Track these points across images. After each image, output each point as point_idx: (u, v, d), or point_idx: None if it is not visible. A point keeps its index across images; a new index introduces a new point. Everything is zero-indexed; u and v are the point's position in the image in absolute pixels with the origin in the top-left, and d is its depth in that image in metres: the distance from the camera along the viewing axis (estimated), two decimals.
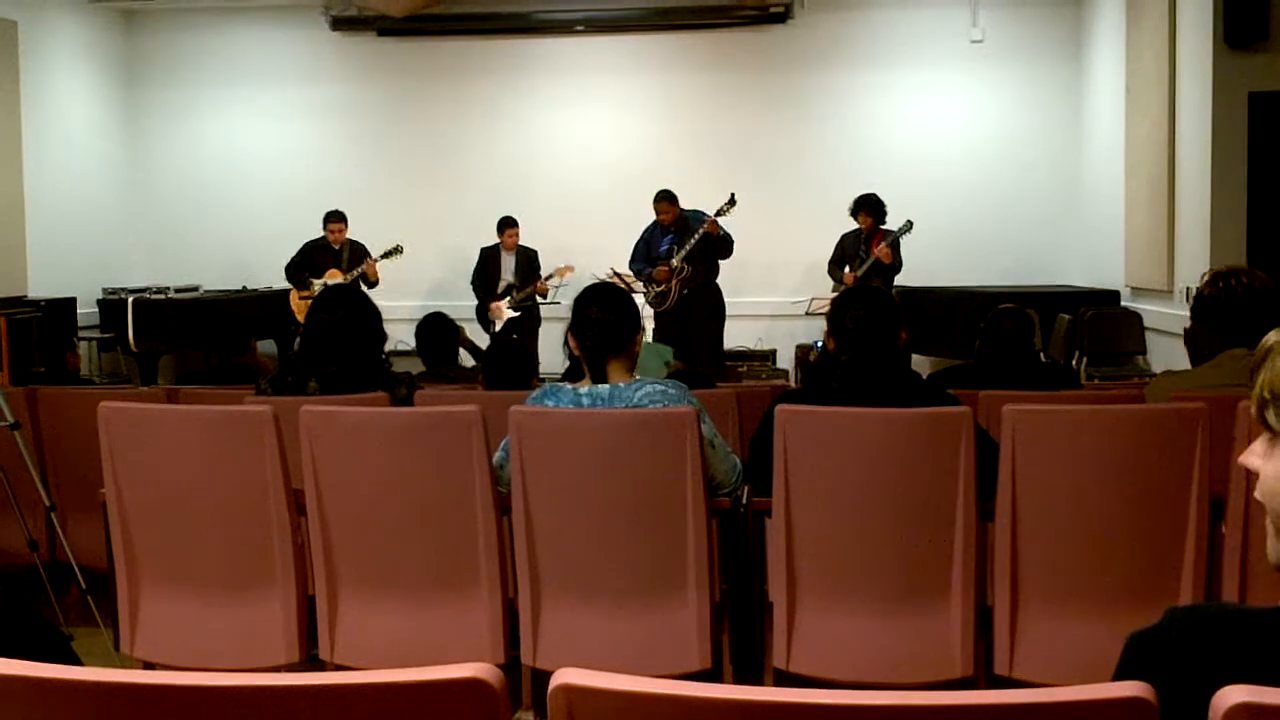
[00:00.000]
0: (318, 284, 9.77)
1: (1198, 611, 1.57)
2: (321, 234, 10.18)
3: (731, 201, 9.30)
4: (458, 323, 6.45)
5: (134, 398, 5.03)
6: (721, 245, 9.33)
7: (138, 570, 3.82)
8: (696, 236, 9.23)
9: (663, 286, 9.37)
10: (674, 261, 9.32)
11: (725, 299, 9.59)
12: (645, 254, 9.55)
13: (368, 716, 1.52)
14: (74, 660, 2.13)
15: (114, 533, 3.81)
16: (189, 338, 9.88)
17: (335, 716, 1.52)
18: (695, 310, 9.34)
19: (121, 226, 11.47)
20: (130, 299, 10.02)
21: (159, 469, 3.74)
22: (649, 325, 9.61)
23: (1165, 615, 1.56)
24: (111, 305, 10.16)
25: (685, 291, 9.35)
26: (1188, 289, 7.63)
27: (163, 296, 10.18)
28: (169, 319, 10.00)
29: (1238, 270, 4.35)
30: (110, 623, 4.05)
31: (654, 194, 9.52)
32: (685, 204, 9.51)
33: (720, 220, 9.27)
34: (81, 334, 9.74)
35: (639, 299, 9.44)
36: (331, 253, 10.13)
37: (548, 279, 10.28)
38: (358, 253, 10.11)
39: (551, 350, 9.94)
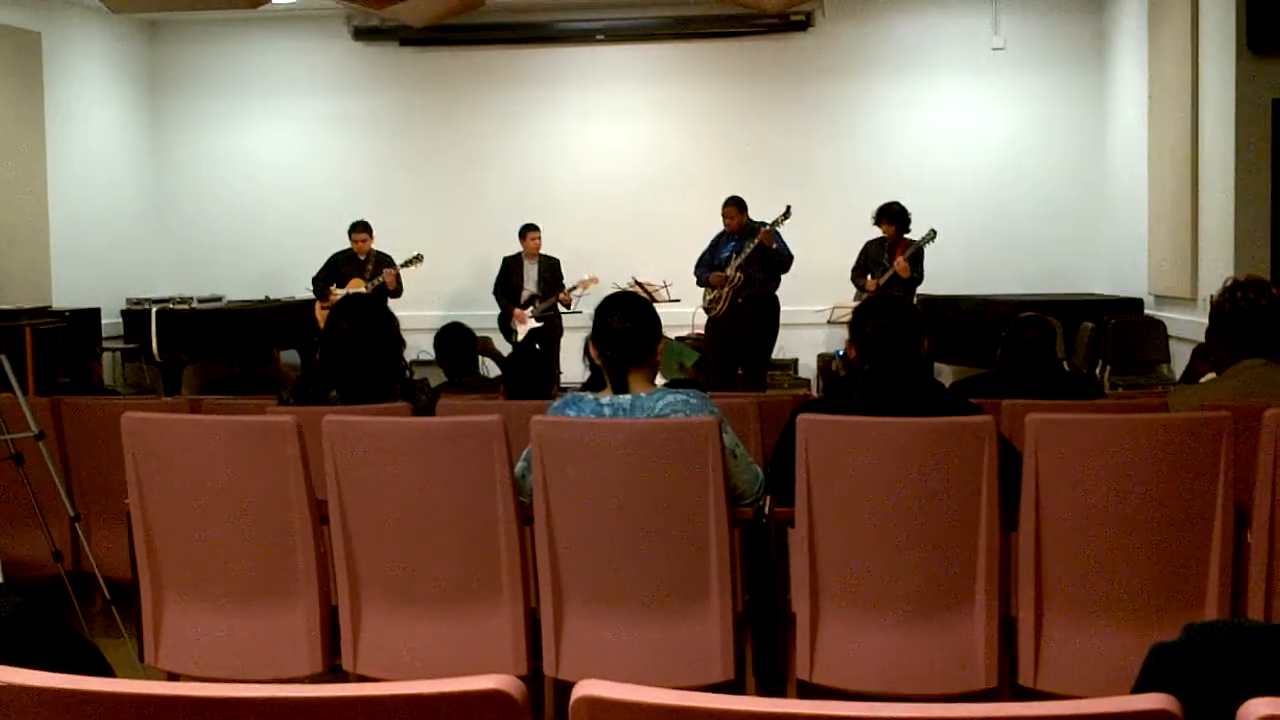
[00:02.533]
0: (338, 293, 9.81)
1: (1217, 627, 1.56)
2: (348, 245, 10.23)
3: (787, 213, 9.21)
4: (480, 332, 6.46)
5: (157, 408, 5.05)
6: (777, 257, 9.27)
7: (161, 580, 3.83)
8: (751, 246, 9.19)
9: (715, 293, 9.34)
10: (728, 270, 9.28)
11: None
12: (710, 260, 9.52)
13: None
14: (104, 668, 2.14)
15: (137, 543, 3.82)
16: (212, 348, 9.92)
17: None
18: (747, 319, 9.28)
19: (145, 237, 11.53)
20: (154, 309, 10.07)
21: (182, 479, 3.75)
22: (700, 331, 9.63)
23: (1185, 631, 1.56)
24: (135, 316, 10.20)
25: (739, 300, 9.30)
26: (1211, 297, 7.59)
27: (186, 307, 10.22)
28: (192, 329, 10.04)
29: (1251, 283, 4.36)
30: (134, 633, 4.06)
31: (723, 200, 9.47)
32: (709, 211, 9.49)
33: (780, 231, 9.20)
34: (105, 344, 9.79)
35: (698, 304, 9.44)
36: (357, 263, 10.18)
37: (571, 290, 10.29)
38: (382, 263, 10.15)
39: (574, 359, 9.94)
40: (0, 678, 1.54)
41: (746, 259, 9.21)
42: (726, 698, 1.43)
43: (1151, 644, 1.56)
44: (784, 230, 9.19)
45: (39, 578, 5.03)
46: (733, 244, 9.35)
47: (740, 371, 9.32)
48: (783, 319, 9.46)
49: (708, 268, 9.44)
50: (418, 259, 10.12)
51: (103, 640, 4.66)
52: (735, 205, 9.42)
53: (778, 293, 9.41)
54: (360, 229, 10.21)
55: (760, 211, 9.36)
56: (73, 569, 5.13)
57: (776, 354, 10.15)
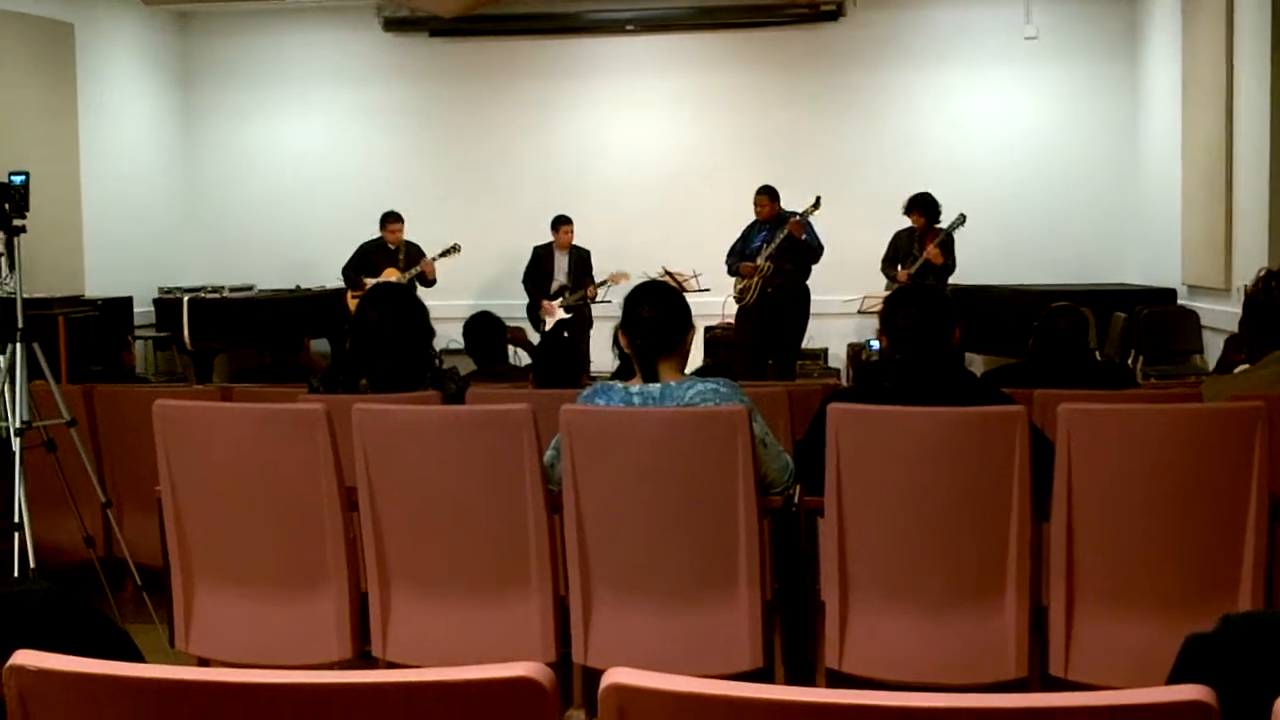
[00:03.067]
0: (370, 283, 9.83)
1: (1253, 619, 1.55)
2: (378, 235, 10.27)
3: (817, 204, 9.15)
4: (509, 322, 6.46)
5: (189, 395, 5.08)
6: (806, 249, 9.23)
7: (192, 567, 3.85)
8: (781, 236, 9.16)
9: (744, 282, 9.33)
10: (759, 260, 9.26)
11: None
12: (741, 249, 9.49)
13: (419, 715, 1.52)
14: (134, 654, 2.15)
15: (169, 529, 3.84)
16: (243, 337, 9.95)
17: (387, 714, 1.52)
18: (777, 310, 9.24)
19: (177, 227, 11.58)
20: (185, 298, 10.11)
21: (213, 466, 3.77)
22: (730, 320, 9.62)
23: (1220, 621, 1.54)
24: (167, 305, 10.24)
25: (769, 290, 9.28)
26: (1245, 287, 7.53)
27: (218, 296, 10.26)
28: (224, 318, 10.07)
29: None
30: (165, 619, 4.08)
31: (755, 189, 9.43)
32: (735, 202, 9.47)
33: (811, 220, 9.17)
34: (137, 333, 9.84)
35: (728, 293, 9.43)
36: (388, 253, 10.21)
37: (601, 284, 10.28)
38: (414, 253, 10.19)
39: (603, 349, 9.95)
40: (32, 663, 1.55)
41: (776, 249, 9.18)
42: (754, 686, 1.42)
43: (1186, 635, 1.55)
44: (814, 219, 9.16)
45: (71, 563, 5.06)
46: (764, 234, 9.31)
47: (770, 361, 9.29)
48: (813, 309, 9.43)
49: (739, 257, 9.41)
50: (455, 249, 10.16)
51: (133, 626, 4.69)
52: (767, 194, 9.37)
53: (808, 283, 9.38)
54: (393, 219, 10.25)
55: (790, 202, 9.32)
56: (104, 555, 5.16)
57: (807, 344, 10.12)
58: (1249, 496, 3.31)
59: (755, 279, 9.24)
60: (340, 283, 10.42)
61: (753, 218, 9.43)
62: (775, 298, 9.26)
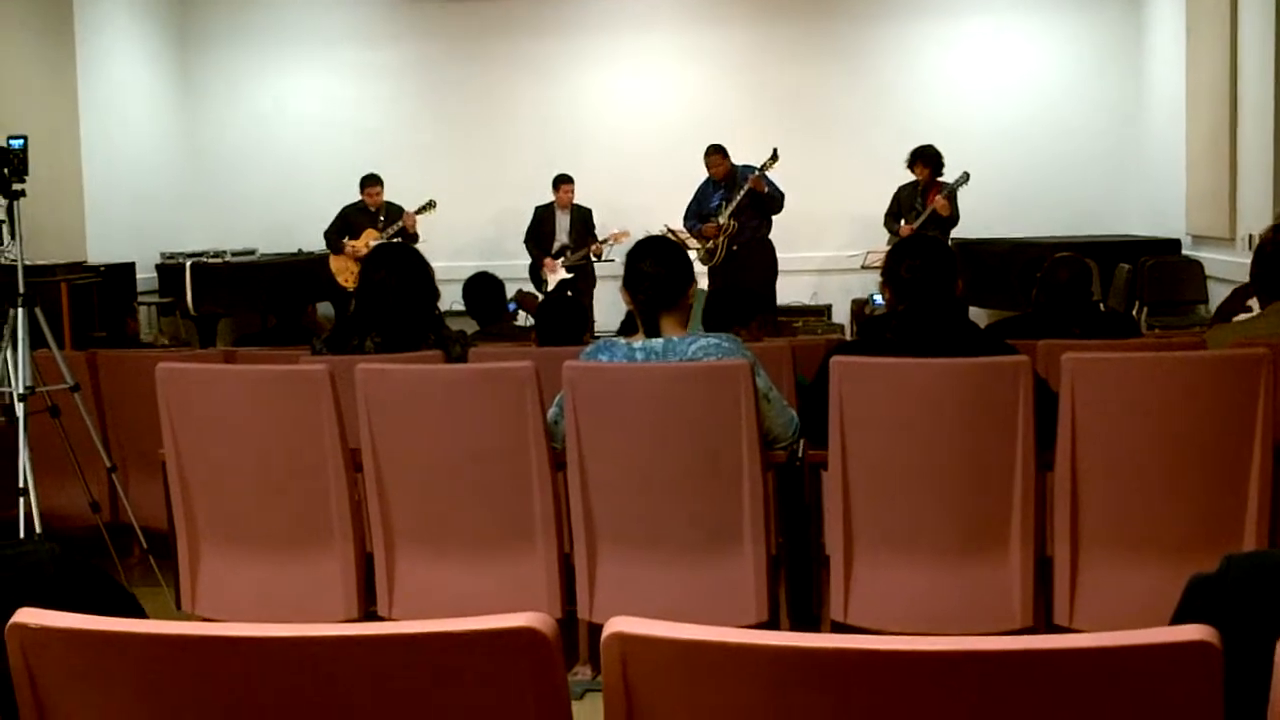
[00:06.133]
0: (351, 244, 9.87)
1: (1256, 559, 1.54)
2: (358, 198, 10.25)
3: (774, 157, 9.25)
4: (510, 282, 6.43)
5: (192, 359, 5.07)
6: (770, 201, 9.29)
7: (197, 530, 3.86)
8: (742, 192, 9.20)
9: (710, 243, 9.36)
10: (720, 219, 9.29)
11: (779, 254, 9.54)
12: (697, 210, 9.54)
13: (422, 666, 1.52)
14: (139, 612, 2.16)
15: (173, 493, 3.84)
16: (247, 301, 9.95)
17: (390, 666, 1.52)
18: (746, 266, 9.28)
19: (179, 191, 11.54)
20: (188, 263, 10.11)
21: (217, 429, 3.77)
22: (702, 282, 9.60)
23: (1223, 561, 1.54)
24: (170, 270, 10.24)
25: (734, 248, 9.32)
26: (1250, 236, 7.50)
27: (220, 260, 10.25)
28: (226, 283, 10.08)
29: None
30: (172, 583, 4.09)
31: (705, 149, 9.48)
32: (740, 158, 9.46)
33: (769, 174, 9.22)
34: (141, 299, 9.83)
35: (691, 255, 9.42)
36: (368, 215, 10.21)
37: (603, 242, 10.26)
38: (394, 213, 10.18)
39: (606, 309, 9.94)
40: (37, 621, 1.55)
41: (737, 206, 9.24)
42: (757, 633, 1.42)
43: (1190, 576, 1.55)
44: (814, 176, 9.16)
45: (78, 529, 5.07)
46: (721, 192, 9.40)
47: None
48: (818, 265, 9.44)
49: (697, 219, 9.49)
50: (431, 205, 10.13)
51: (140, 590, 4.67)
52: (720, 153, 9.46)
53: (770, 236, 9.47)
54: (373, 182, 10.24)
55: (787, 158, 9.33)
56: (110, 520, 5.17)
57: (810, 300, 10.10)
58: (1253, 442, 3.31)
59: (721, 238, 9.30)
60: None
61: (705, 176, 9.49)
62: (741, 254, 9.34)
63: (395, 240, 9.55)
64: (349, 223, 10.22)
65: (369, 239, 9.89)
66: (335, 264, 10.20)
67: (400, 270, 4.46)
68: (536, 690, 1.50)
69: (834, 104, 11.02)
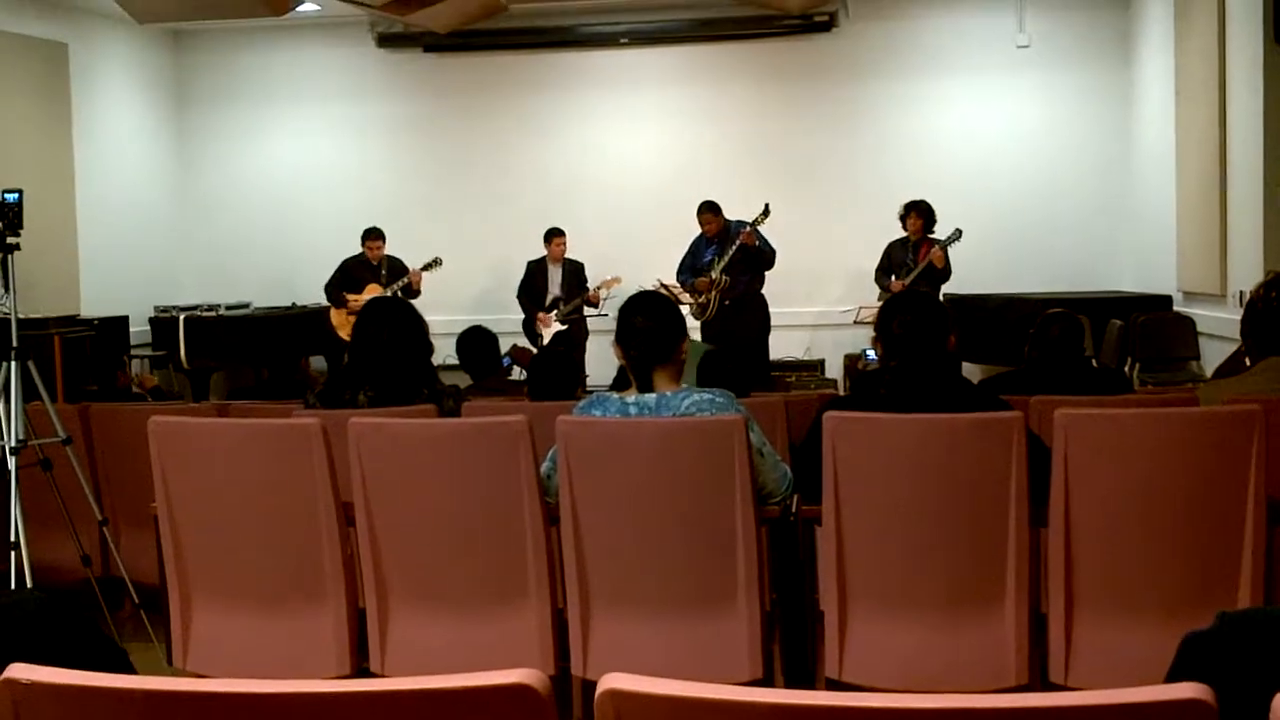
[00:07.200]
0: (355, 299, 9.88)
1: (1251, 616, 1.54)
2: (357, 250, 10.27)
3: (766, 212, 9.29)
4: (504, 337, 6.44)
5: (185, 413, 5.07)
6: (760, 256, 9.32)
7: (189, 584, 3.84)
8: (734, 248, 9.23)
9: (703, 297, 9.39)
10: (713, 274, 9.33)
11: (771, 309, 9.57)
12: (691, 265, 9.58)
13: None
14: (126, 665, 2.14)
15: (165, 547, 3.82)
16: (240, 354, 9.96)
17: None
18: (738, 321, 9.32)
19: (173, 245, 11.58)
20: (182, 317, 10.12)
21: (209, 483, 3.76)
22: (695, 336, 9.62)
23: (1218, 619, 1.54)
24: (163, 323, 10.26)
25: (727, 303, 9.36)
26: (1241, 293, 7.54)
27: (213, 314, 10.27)
28: (220, 336, 10.09)
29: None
30: (163, 638, 4.06)
31: (697, 206, 9.52)
32: (733, 214, 9.51)
33: (761, 230, 9.25)
34: (134, 352, 9.84)
35: (684, 310, 9.46)
36: (370, 268, 10.22)
37: (596, 289, 10.28)
38: (396, 268, 10.20)
39: (599, 363, 9.95)
40: (24, 675, 1.54)
41: (730, 261, 9.27)
42: (750, 690, 1.42)
43: (1184, 633, 1.54)
44: (807, 231, 9.20)
45: (68, 582, 5.04)
46: (714, 248, 9.45)
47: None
48: (811, 320, 9.47)
49: (690, 273, 9.53)
50: (437, 262, 10.15)
51: (132, 645, 4.67)
52: (713, 211, 9.50)
53: (763, 291, 9.49)
54: (375, 235, 10.26)
55: (779, 214, 9.37)
56: (101, 574, 5.14)
57: (803, 355, 10.11)
58: (1246, 499, 3.30)
59: (714, 293, 9.33)
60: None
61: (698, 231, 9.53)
62: (734, 309, 9.36)
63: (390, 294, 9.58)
64: (350, 276, 10.24)
65: (372, 294, 9.91)
66: (336, 318, 10.20)
67: (394, 324, 4.47)
68: None
69: (825, 161, 11.08)
